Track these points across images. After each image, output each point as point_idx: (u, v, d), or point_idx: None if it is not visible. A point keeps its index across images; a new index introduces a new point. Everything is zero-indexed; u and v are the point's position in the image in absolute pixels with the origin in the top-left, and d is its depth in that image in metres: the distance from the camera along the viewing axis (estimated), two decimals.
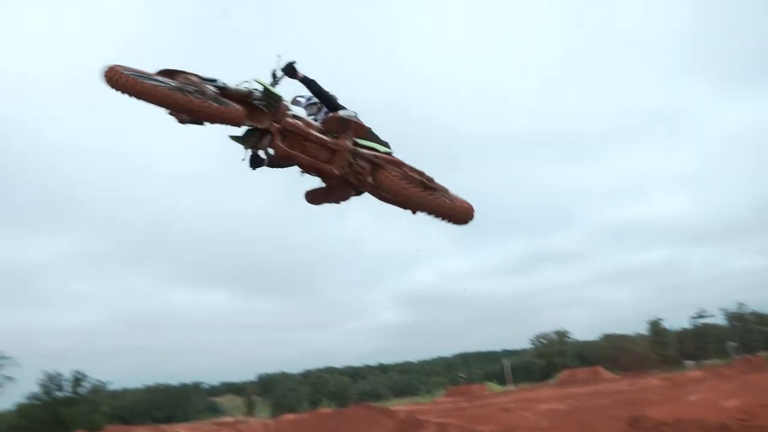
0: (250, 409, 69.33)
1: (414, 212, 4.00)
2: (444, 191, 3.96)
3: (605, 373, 54.30)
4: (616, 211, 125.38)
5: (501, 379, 69.09)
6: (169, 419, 55.30)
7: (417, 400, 56.55)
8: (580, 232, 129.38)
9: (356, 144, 4.02)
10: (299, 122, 3.90)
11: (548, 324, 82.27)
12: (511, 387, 59.86)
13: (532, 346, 76.36)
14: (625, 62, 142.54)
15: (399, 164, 4.03)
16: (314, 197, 4.27)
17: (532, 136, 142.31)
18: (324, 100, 4.17)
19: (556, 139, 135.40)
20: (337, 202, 4.34)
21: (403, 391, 76.74)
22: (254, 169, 4.19)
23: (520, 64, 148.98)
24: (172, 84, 3.59)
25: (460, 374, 77.99)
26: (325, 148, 3.92)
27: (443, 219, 3.86)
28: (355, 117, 4.07)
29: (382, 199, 4.10)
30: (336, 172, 3.95)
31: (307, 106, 4.27)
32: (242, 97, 3.83)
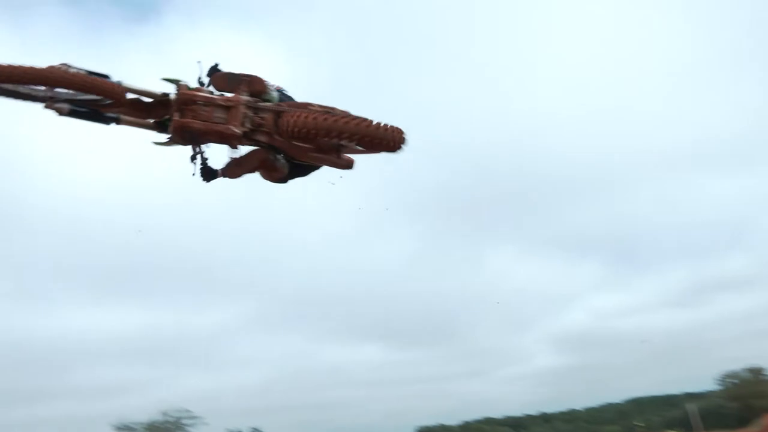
0: None
1: (339, 148, 3.57)
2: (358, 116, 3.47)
3: None
4: None
5: (687, 426, 61.10)
6: None
7: None
8: (760, 251, 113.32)
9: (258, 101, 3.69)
10: (189, 91, 3.68)
11: (736, 360, 71.60)
12: None
13: (719, 387, 66.93)
14: None
15: (304, 105, 3.60)
16: (230, 170, 3.96)
17: (686, 148, 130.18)
18: None
19: (715, 149, 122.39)
20: (264, 174, 4.01)
21: None
22: (208, 182, 4.00)
23: (667, 70, 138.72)
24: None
25: (637, 423, 70.41)
26: (220, 107, 3.59)
27: (373, 145, 3.40)
28: (252, 75, 3.76)
29: (306, 157, 3.72)
30: (235, 129, 3.55)
31: None
32: (158, 99, 3.72)
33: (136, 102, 3.76)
